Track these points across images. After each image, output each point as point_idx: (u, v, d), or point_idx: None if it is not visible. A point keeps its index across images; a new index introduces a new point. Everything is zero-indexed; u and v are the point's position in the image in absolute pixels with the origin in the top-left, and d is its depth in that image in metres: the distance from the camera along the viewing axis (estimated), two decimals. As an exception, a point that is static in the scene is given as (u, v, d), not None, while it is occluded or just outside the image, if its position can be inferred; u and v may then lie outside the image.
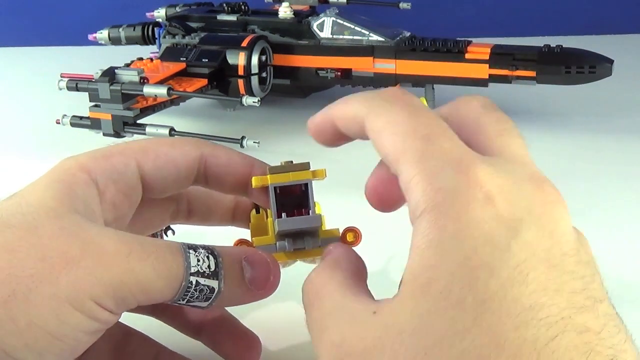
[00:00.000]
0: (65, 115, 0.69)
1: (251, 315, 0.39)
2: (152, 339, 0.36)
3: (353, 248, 0.32)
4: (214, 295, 0.29)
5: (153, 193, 0.33)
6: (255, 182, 0.32)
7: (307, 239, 0.32)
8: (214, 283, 0.29)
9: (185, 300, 0.29)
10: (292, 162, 0.33)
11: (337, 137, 0.31)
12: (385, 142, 0.26)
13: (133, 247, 0.28)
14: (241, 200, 0.37)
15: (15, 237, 0.27)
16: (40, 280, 0.26)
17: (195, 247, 0.29)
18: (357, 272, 0.28)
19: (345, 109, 0.30)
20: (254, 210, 0.36)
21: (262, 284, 0.30)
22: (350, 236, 0.33)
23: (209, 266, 0.29)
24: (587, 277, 0.24)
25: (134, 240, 0.28)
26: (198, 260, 0.29)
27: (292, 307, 0.41)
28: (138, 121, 0.67)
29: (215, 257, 0.29)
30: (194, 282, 0.28)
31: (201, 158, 0.33)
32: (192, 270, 0.28)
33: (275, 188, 0.32)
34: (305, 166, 0.33)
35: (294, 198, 0.32)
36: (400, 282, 0.24)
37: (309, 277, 0.28)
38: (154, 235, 0.38)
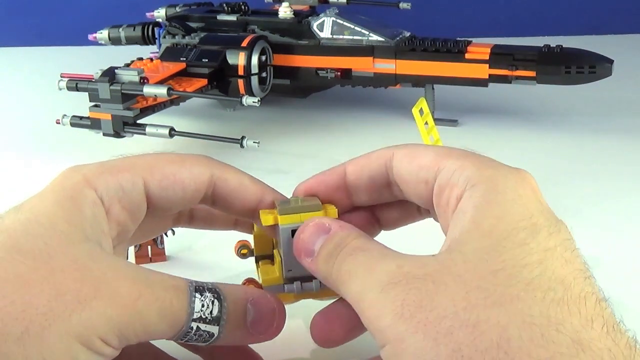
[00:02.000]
0: (65, 115, 0.69)
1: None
2: (150, 342, 0.35)
3: None
4: (212, 339, 0.29)
5: (158, 211, 0.33)
6: (264, 221, 0.32)
7: (315, 282, 0.32)
8: (214, 329, 0.29)
9: (184, 340, 0.29)
10: (299, 199, 0.32)
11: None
12: (427, 153, 0.30)
13: (142, 290, 0.28)
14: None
15: (29, 268, 0.27)
16: (53, 318, 0.26)
17: (202, 290, 0.29)
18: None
19: (360, 161, 0.33)
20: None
21: (264, 329, 0.31)
22: None
23: (211, 312, 0.29)
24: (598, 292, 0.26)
25: (144, 281, 0.28)
26: (202, 306, 0.29)
27: (294, 325, 0.41)
28: (138, 121, 0.67)
29: (220, 302, 0.29)
30: (194, 327, 0.29)
31: (210, 180, 0.32)
32: (195, 316, 0.29)
33: (285, 232, 0.31)
34: (316, 206, 0.32)
35: None
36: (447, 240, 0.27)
37: (337, 238, 0.29)
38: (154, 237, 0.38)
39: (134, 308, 0.27)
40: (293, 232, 0.31)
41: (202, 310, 0.29)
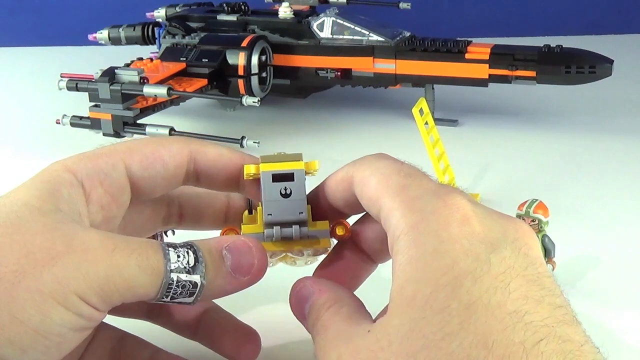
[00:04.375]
0: (65, 115, 0.69)
1: (249, 315, 0.39)
2: (147, 341, 0.36)
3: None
4: (197, 289, 0.29)
5: (142, 194, 0.32)
6: (246, 170, 0.32)
7: (295, 228, 0.32)
8: (195, 278, 0.29)
9: (169, 297, 0.29)
10: (284, 153, 0.33)
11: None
12: (371, 183, 0.29)
13: (117, 243, 0.28)
14: (233, 204, 0.36)
15: None
16: (23, 275, 0.26)
17: (174, 245, 0.29)
18: (359, 305, 0.29)
19: (334, 175, 0.32)
20: (246, 211, 0.35)
21: (246, 270, 0.30)
22: (340, 229, 0.33)
23: (188, 262, 0.29)
24: (564, 298, 0.25)
25: (117, 237, 0.28)
26: (178, 257, 0.29)
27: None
28: (138, 121, 0.67)
29: (194, 252, 0.29)
30: (175, 279, 0.28)
31: (190, 156, 0.33)
32: (172, 267, 0.28)
33: (266, 176, 0.32)
34: (298, 157, 0.33)
35: (287, 194, 0.32)
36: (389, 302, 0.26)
37: (316, 308, 0.29)
38: (154, 237, 0.38)
39: (110, 261, 0.27)
40: (274, 176, 0.32)
41: (178, 261, 0.28)
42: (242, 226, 0.33)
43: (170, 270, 0.28)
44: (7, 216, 0.27)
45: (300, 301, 0.31)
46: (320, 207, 0.33)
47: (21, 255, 0.26)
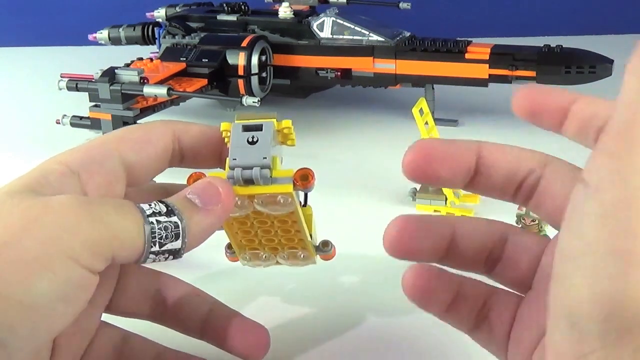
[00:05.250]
0: (65, 115, 0.69)
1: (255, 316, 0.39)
2: (152, 341, 0.35)
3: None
4: (180, 230, 0.29)
5: (135, 179, 0.33)
6: (223, 126, 0.33)
7: (255, 169, 0.32)
8: (173, 218, 0.29)
9: (157, 244, 0.29)
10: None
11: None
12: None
13: (92, 199, 0.28)
14: None
15: None
16: (2, 247, 0.25)
17: (142, 203, 0.30)
18: None
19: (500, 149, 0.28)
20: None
21: (215, 200, 0.31)
22: (302, 177, 0.33)
23: (160, 208, 0.29)
24: None
25: (90, 197, 0.29)
26: (150, 205, 0.29)
27: (296, 302, 0.41)
28: (138, 121, 0.67)
29: (162, 202, 0.30)
30: (155, 222, 0.29)
31: (174, 135, 0.34)
32: (148, 212, 0.29)
33: (237, 127, 0.33)
34: (272, 115, 0.34)
35: (254, 142, 0.33)
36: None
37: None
38: None
39: (91, 212, 0.27)
40: (244, 127, 0.33)
41: (151, 207, 0.29)
42: (208, 173, 0.33)
43: (147, 215, 0.29)
44: None
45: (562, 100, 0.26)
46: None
47: None
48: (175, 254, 0.29)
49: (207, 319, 0.36)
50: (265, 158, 0.32)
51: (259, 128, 0.33)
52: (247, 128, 0.33)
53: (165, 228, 0.29)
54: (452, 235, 0.28)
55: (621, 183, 0.21)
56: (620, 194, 0.21)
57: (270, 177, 0.32)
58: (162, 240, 0.29)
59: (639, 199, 0.20)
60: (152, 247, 0.29)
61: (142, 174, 0.33)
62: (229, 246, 0.37)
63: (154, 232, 0.28)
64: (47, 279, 0.25)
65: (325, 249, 0.36)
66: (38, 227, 0.25)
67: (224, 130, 0.33)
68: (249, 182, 0.32)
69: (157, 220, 0.29)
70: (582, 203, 0.21)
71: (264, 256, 0.36)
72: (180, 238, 0.29)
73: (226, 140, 0.33)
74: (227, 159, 0.32)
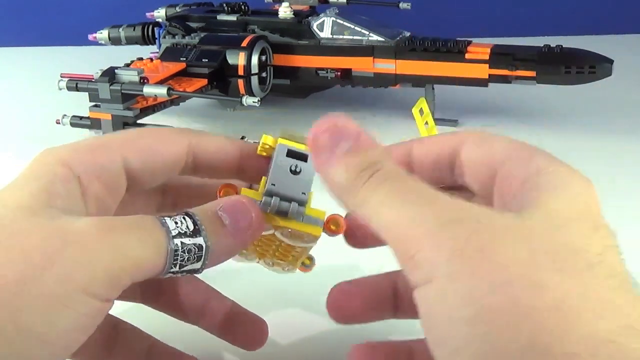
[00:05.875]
0: (65, 115, 0.69)
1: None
2: (143, 331, 0.35)
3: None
4: (203, 252, 0.29)
5: (139, 185, 0.32)
6: (264, 139, 0.32)
7: (293, 204, 0.31)
8: (199, 240, 0.28)
9: (178, 265, 0.28)
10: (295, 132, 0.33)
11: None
12: (495, 142, 0.30)
13: (113, 224, 0.27)
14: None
15: None
16: (24, 282, 0.25)
17: (169, 215, 0.29)
18: None
19: (428, 140, 0.32)
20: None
21: (246, 225, 0.30)
22: (334, 225, 0.32)
23: (187, 226, 0.28)
24: None
25: (111, 218, 0.28)
26: (176, 223, 0.28)
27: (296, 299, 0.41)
28: (138, 121, 0.67)
29: (190, 217, 0.29)
30: (179, 244, 0.28)
31: (189, 148, 0.32)
32: (174, 233, 0.28)
33: (282, 148, 0.32)
34: None
35: (296, 172, 0.32)
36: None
37: (373, 152, 0.28)
38: None
39: (110, 243, 0.26)
40: (289, 151, 0.31)
41: (177, 227, 0.28)
42: (242, 189, 0.32)
43: (173, 236, 0.28)
44: (1, 221, 0.27)
45: (333, 134, 0.27)
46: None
47: (19, 261, 0.25)
48: (194, 272, 0.29)
49: (205, 306, 0.35)
50: (304, 194, 0.31)
51: (304, 158, 0.32)
52: (292, 154, 0.32)
53: (189, 251, 0.28)
54: (394, 289, 0.28)
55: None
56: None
57: (304, 214, 0.32)
58: (183, 262, 0.28)
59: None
60: (172, 267, 0.28)
61: (145, 182, 0.32)
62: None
63: (177, 255, 0.28)
64: (66, 314, 0.25)
65: (308, 264, 0.35)
66: (58, 263, 0.25)
67: (264, 143, 0.32)
68: (282, 213, 0.31)
69: (181, 243, 0.28)
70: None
71: (246, 254, 0.35)
72: (201, 260, 0.29)
73: (264, 153, 0.32)
74: (265, 178, 0.32)
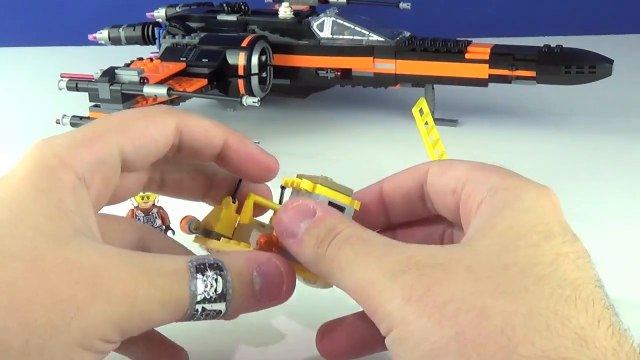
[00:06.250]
0: (65, 115, 0.69)
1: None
2: None
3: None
4: (220, 315, 0.29)
5: (131, 169, 0.32)
6: (302, 184, 0.32)
7: None
8: (220, 306, 0.28)
9: (191, 320, 0.28)
10: (330, 178, 0.33)
11: None
12: (458, 166, 0.31)
13: (139, 281, 0.27)
14: (216, 180, 0.36)
15: (20, 272, 0.26)
16: (53, 329, 0.25)
17: (203, 269, 0.28)
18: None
19: (399, 174, 0.34)
20: (228, 198, 0.35)
21: (273, 295, 0.30)
22: None
23: (215, 290, 0.28)
24: None
25: (141, 271, 0.27)
26: (205, 286, 0.28)
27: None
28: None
29: (223, 278, 0.28)
30: (199, 309, 0.28)
31: (176, 130, 0.32)
32: (199, 298, 0.28)
33: (324, 199, 0.32)
34: (348, 192, 0.33)
35: None
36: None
37: (327, 224, 0.29)
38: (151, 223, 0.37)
39: (133, 303, 0.27)
40: (331, 203, 0.32)
41: (205, 291, 0.28)
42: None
43: (197, 302, 0.28)
44: (24, 246, 0.26)
45: (294, 216, 0.30)
46: (372, 209, 0.34)
47: (48, 306, 0.25)
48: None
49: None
50: None
51: (342, 210, 0.32)
52: (333, 205, 0.32)
53: (207, 315, 0.28)
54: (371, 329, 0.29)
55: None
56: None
57: None
58: (196, 320, 0.28)
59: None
60: (182, 320, 0.28)
61: (137, 166, 0.32)
62: (196, 226, 0.35)
63: (193, 316, 0.28)
64: (85, 356, 0.26)
65: None
66: (85, 317, 0.26)
67: (297, 185, 0.32)
68: None
69: (202, 308, 0.28)
70: None
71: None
72: (214, 318, 0.29)
73: (293, 189, 0.32)
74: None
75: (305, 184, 0.32)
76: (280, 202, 0.34)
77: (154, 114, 0.32)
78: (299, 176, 0.33)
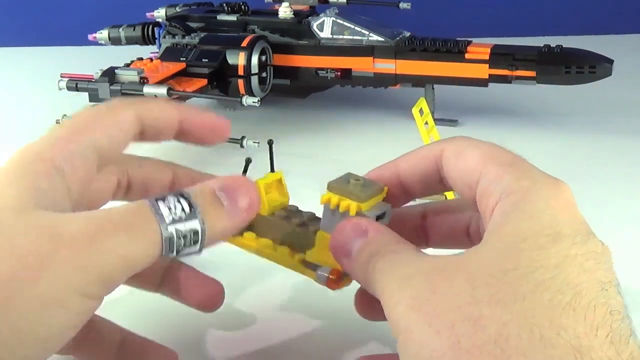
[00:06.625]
0: (65, 115, 0.69)
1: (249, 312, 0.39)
2: (115, 324, 0.35)
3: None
4: (199, 236, 0.29)
5: (104, 162, 0.32)
6: (352, 208, 0.32)
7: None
8: (194, 224, 0.28)
9: (175, 251, 0.28)
10: (353, 179, 0.33)
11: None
12: (473, 154, 0.31)
13: (102, 224, 0.27)
14: (178, 177, 0.36)
15: None
16: (18, 284, 0.25)
17: (162, 197, 0.29)
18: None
19: (415, 152, 0.33)
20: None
21: (245, 206, 0.30)
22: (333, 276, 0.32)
23: (182, 209, 0.28)
24: None
25: (101, 217, 0.28)
26: (169, 209, 0.28)
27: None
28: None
29: (186, 198, 0.29)
30: (174, 232, 0.28)
31: (137, 119, 0.32)
32: (167, 220, 0.28)
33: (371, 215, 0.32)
34: (379, 188, 0.33)
35: None
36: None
37: (375, 243, 0.30)
38: None
39: (101, 245, 0.26)
40: (377, 218, 0.32)
41: (171, 212, 0.28)
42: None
43: (167, 224, 0.28)
44: None
45: (348, 236, 0.30)
46: (391, 185, 0.33)
47: (11, 263, 0.25)
48: (193, 254, 0.29)
49: (165, 274, 0.36)
50: None
51: (382, 217, 0.32)
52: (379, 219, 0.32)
53: (184, 237, 0.28)
54: None
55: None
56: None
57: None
58: (179, 248, 0.28)
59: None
60: (169, 254, 0.28)
61: (110, 158, 0.32)
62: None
63: (172, 243, 0.28)
64: (61, 314, 0.26)
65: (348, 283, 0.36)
66: (52, 266, 0.26)
67: (347, 209, 0.32)
68: None
69: (176, 230, 0.28)
70: None
71: None
72: (198, 243, 0.29)
73: (342, 210, 0.32)
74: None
75: (359, 207, 0.32)
76: (243, 173, 0.34)
77: (116, 107, 0.33)
78: (330, 188, 0.32)
